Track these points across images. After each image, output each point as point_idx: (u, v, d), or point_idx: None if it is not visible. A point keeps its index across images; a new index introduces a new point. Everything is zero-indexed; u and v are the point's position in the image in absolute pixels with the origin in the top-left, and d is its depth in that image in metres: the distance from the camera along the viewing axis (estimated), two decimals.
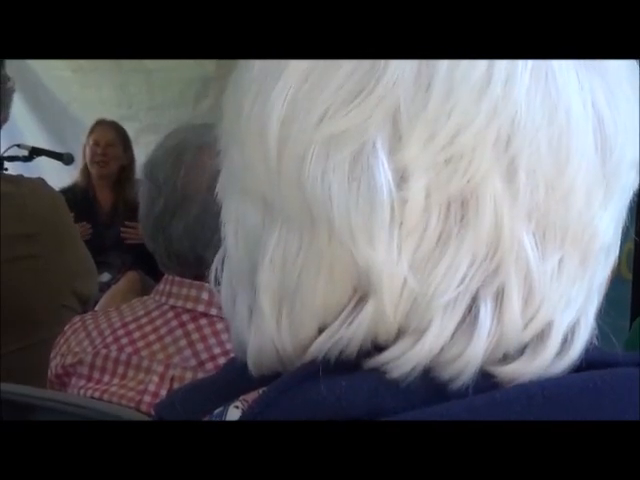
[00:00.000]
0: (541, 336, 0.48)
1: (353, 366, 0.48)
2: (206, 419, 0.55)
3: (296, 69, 0.48)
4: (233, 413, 0.54)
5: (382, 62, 0.46)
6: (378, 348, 0.48)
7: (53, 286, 1.80)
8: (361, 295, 0.47)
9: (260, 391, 0.51)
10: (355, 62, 0.47)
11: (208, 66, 4.01)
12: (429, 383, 0.47)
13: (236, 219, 0.53)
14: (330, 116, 0.47)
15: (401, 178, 0.46)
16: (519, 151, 0.46)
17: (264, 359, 0.51)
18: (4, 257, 1.70)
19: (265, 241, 0.50)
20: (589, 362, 0.49)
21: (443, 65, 0.46)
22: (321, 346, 0.48)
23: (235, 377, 0.57)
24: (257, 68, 0.51)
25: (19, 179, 1.87)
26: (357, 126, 0.46)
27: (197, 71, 4.12)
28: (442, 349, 0.47)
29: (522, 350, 0.48)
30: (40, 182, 1.87)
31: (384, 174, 0.46)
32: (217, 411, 0.55)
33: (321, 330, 0.49)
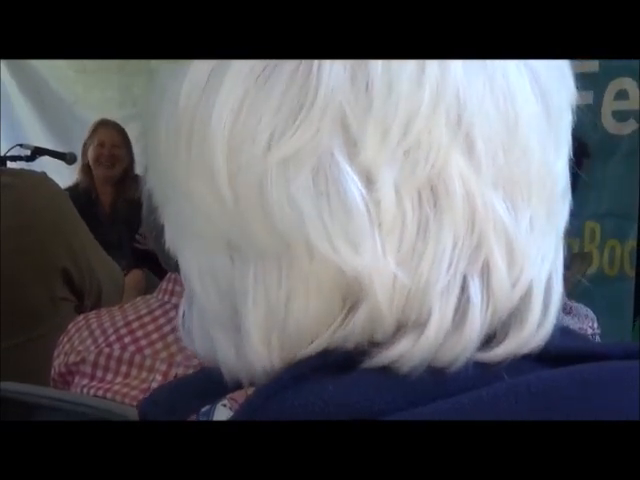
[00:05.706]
0: (524, 297, 0.49)
1: (349, 365, 0.48)
2: (193, 418, 0.55)
3: (226, 102, 0.47)
4: (221, 412, 0.53)
5: (314, 74, 0.46)
6: (376, 345, 0.47)
7: (45, 276, 1.81)
8: (351, 304, 0.47)
9: (248, 390, 0.51)
10: (287, 79, 0.46)
11: None
12: (417, 384, 0.47)
13: (199, 269, 0.51)
14: (277, 139, 0.46)
15: (367, 181, 0.46)
16: (471, 123, 0.46)
17: (252, 378, 0.51)
18: (3, 249, 1.72)
19: (241, 283, 0.49)
20: (577, 354, 0.49)
21: (377, 61, 0.46)
22: (311, 352, 0.48)
23: (221, 375, 0.56)
24: (181, 111, 0.49)
25: (20, 172, 1.89)
26: (309, 142, 0.46)
27: None
28: (446, 335, 0.47)
29: (511, 317, 0.48)
30: (41, 176, 1.89)
31: (351, 180, 0.46)
32: (204, 409, 0.54)
33: (312, 340, 0.48)
